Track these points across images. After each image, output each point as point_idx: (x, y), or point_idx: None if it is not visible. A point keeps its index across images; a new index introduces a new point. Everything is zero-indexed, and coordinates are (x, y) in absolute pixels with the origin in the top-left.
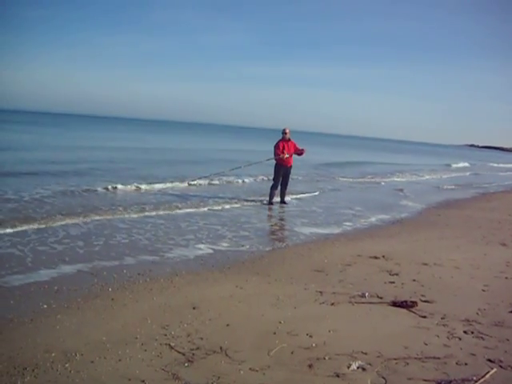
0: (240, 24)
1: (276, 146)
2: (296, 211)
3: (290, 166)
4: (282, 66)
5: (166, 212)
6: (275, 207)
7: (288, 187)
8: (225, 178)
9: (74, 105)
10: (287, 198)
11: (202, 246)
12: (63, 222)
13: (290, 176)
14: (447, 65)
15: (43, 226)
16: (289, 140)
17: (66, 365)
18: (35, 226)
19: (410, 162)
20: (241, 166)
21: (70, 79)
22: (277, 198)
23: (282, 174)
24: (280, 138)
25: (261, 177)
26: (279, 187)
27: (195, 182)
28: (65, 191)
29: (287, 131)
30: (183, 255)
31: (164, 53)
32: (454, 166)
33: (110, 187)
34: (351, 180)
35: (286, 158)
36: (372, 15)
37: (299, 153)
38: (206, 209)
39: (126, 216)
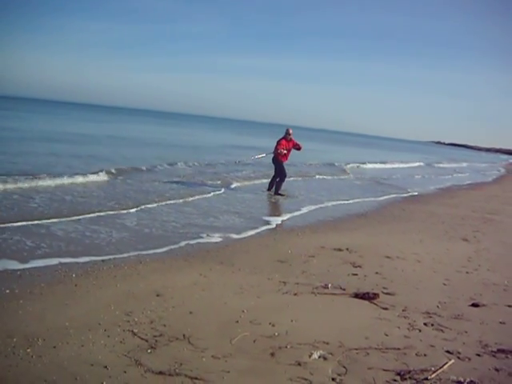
0: (215, 14)
1: (278, 143)
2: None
3: (281, 162)
4: (258, 57)
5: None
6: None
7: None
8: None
9: (42, 90)
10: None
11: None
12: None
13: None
14: (414, 60)
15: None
16: (290, 140)
17: (28, 350)
18: None
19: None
20: (242, 160)
21: (36, 64)
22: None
23: (279, 168)
24: (283, 135)
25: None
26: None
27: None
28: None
29: (290, 132)
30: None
31: (134, 41)
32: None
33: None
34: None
35: (284, 154)
36: (347, 7)
37: (297, 148)
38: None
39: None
